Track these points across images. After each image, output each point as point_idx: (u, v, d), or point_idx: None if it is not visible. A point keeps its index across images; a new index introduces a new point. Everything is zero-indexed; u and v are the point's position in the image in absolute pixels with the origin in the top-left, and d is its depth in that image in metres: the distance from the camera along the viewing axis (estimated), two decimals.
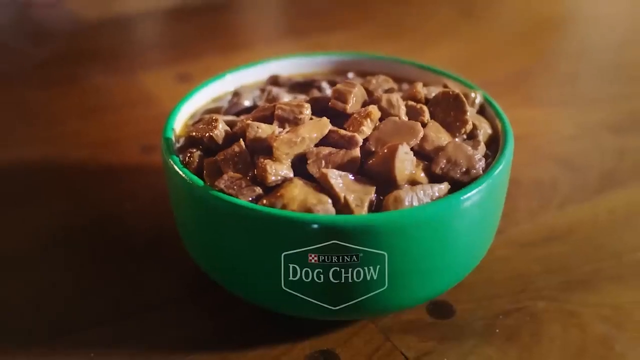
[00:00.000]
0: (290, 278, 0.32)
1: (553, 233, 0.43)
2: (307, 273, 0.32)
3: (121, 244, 0.41)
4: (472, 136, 0.36)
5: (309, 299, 0.33)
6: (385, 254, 0.31)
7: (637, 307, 0.37)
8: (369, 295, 0.32)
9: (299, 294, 0.32)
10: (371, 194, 0.31)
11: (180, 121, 0.38)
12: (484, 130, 0.36)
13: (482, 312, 0.37)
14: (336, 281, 0.32)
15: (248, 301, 0.35)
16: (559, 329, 0.36)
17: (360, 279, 0.32)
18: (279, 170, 0.32)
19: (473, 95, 0.39)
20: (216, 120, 0.35)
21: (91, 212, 0.45)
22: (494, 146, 0.36)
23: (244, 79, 0.44)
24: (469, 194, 0.32)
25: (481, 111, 0.39)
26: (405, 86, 0.41)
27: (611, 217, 0.45)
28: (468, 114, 0.35)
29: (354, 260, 0.31)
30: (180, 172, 0.33)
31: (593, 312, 0.37)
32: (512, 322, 0.36)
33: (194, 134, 0.35)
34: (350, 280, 0.32)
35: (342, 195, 0.31)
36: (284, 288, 0.32)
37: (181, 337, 0.35)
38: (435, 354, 0.34)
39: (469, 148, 0.33)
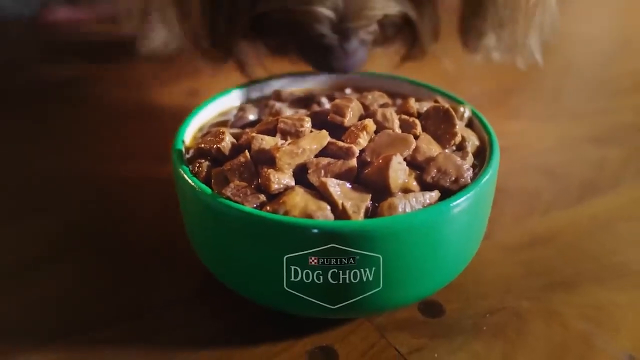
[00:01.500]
0: (292, 279, 0.33)
1: (537, 238, 0.44)
2: (307, 274, 0.32)
3: (134, 249, 0.42)
4: (460, 147, 0.37)
5: (309, 299, 0.33)
6: (380, 256, 0.32)
7: (616, 306, 0.38)
8: (365, 295, 0.33)
9: (299, 294, 0.33)
10: (367, 201, 0.32)
11: (189, 134, 0.39)
12: (472, 142, 0.37)
13: (470, 311, 0.38)
14: (334, 282, 0.32)
15: (252, 301, 0.36)
16: (542, 327, 0.36)
17: (357, 280, 0.33)
18: (281, 179, 0.33)
19: (462, 109, 0.40)
20: (223, 132, 0.36)
21: (105, 218, 0.46)
22: (482, 157, 0.37)
23: (248, 94, 0.45)
24: (457, 201, 0.32)
25: (469, 124, 0.40)
26: (399, 101, 0.42)
27: (592, 223, 0.46)
28: (457, 127, 0.36)
29: (351, 262, 0.32)
30: (190, 181, 0.34)
31: (574, 311, 0.38)
32: (498, 320, 0.37)
33: (202, 145, 0.36)
34: (347, 281, 0.33)
35: (340, 202, 0.32)
36: (285, 288, 0.33)
37: (189, 336, 0.36)
38: (426, 349, 0.35)
39: (458, 159, 0.34)
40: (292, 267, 0.32)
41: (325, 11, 0.40)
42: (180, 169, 0.35)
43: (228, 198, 0.32)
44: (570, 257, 0.42)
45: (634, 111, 0.63)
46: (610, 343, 0.35)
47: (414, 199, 0.32)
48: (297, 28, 0.41)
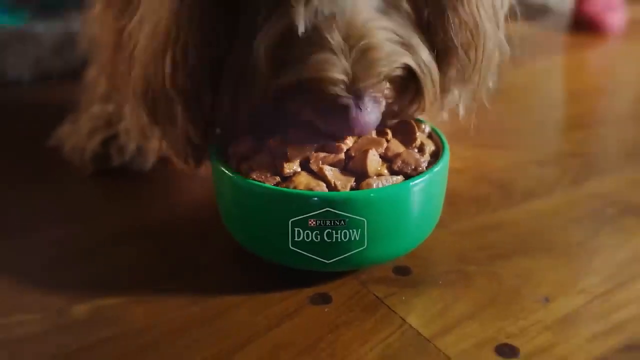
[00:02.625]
0: (296, 239, 0.44)
1: (485, 227, 0.56)
2: (307, 234, 0.44)
3: (181, 231, 0.54)
4: (421, 149, 0.49)
5: (309, 255, 0.45)
6: (365, 220, 0.44)
7: (539, 269, 0.50)
8: (353, 252, 0.45)
9: (301, 251, 0.45)
10: (351, 181, 0.45)
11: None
12: (430, 146, 0.50)
13: (430, 271, 0.50)
14: (329, 240, 0.44)
15: (266, 260, 0.48)
16: (483, 282, 0.48)
17: (347, 239, 0.44)
18: (292, 165, 0.45)
19: (423, 126, 0.53)
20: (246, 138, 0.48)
21: (161, 208, 0.58)
22: (436, 157, 0.49)
23: None
24: (416, 182, 0.45)
25: (430, 136, 0.53)
26: None
27: (528, 216, 0.58)
28: (417, 135, 0.49)
29: (341, 224, 0.44)
30: (225, 170, 0.46)
31: (509, 272, 0.49)
32: (451, 278, 0.49)
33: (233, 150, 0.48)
34: (339, 240, 0.44)
35: (332, 181, 0.44)
36: (291, 247, 0.45)
37: (222, 287, 0.47)
38: (396, 295, 0.47)
39: (417, 155, 0.47)
40: (296, 229, 0.44)
41: (338, 75, 0.43)
42: (217, 163, 0.47)
43: (254, 179, 0.45)
44: (510, 238, 0.54)
45: (571, 143, 0.76)
46: (533, 291, 0.47)
47: (385, 180, 0.45)
48: (314, 93, 0.44)
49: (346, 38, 0.43)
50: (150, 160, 0.64)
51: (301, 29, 0.42)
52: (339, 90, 0.43)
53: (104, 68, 0.65)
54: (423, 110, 0.50)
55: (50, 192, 0.62)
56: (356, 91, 0.43)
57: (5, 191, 0.62)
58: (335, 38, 0.43)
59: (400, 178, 0.46)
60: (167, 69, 0.46)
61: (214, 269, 0.50)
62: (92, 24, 0.68)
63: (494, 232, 0.55)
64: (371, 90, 0.44)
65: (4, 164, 0.68)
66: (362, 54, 0.43)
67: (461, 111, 0.54)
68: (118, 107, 0.66)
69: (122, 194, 0.62)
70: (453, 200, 0.58)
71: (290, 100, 0.45)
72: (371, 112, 0.44)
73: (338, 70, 0.43)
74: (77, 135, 0.66)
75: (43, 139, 0.68)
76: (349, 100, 0.43)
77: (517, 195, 0.62)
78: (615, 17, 1.17)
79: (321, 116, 0.45)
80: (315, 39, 0.43)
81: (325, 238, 0.44)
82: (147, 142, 0.59)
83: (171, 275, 0.49)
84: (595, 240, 0.55)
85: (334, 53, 0.43)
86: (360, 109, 0.44)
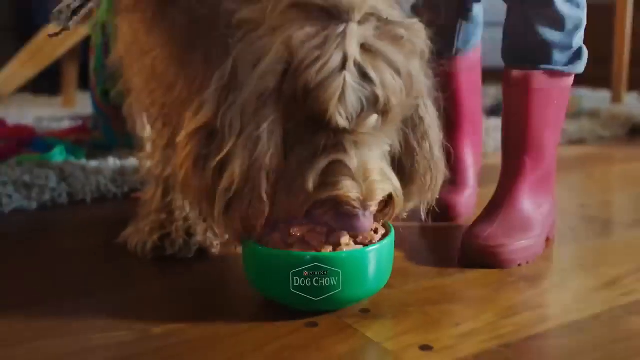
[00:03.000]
0: (294, 285, 0.71)
1: (424, 288, 0.82)
2: (302, 281, 0.70)
3: (215, 285, 0.80)
4: (375, 232, 0.76)
5: (303, 295, 0.71)
6: (340, 271, 0.70)
7: (455, 311, 0.76)
8: (332, 293, 0.71)
9: (298, 293, 0.71)
10: (330, 248, 0.71)
11: None
12: (381, 230, 0.77)
13: (383, 311, 0.75)
14: (317, 285, 0.70)
15: (273, 300, 0.74)
16: (419, 316, 0.74)
17: (328, 284, 0.70)
18: (293, 238, 0.72)
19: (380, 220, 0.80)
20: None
21: (198, 276, 0.84)
22: (385, 236, 0.77)
23: None
24: (370, 249, 0.72)
25: (383, 225, 0.80)
26: None
27: (456, 284, 0.84)
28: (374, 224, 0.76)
29: (325, 273, 0.70)
30: (250, 242, 0.73)
31: (434, 311, 0.75)
32: (397, 314, 0.74)
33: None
34: (323, 285, 0.70)
35: (318, 247, 0.71)
36: (291, 290, 0.71)
37: (241, 318, 0.73)
38: (360, 322, 0.72)
39: (373, 234, 0.74)
40: (295, 277, 0.70)
41: (357, 195, 0.68)
42: (246, 242, 0.74)
43: (270, 247, 0.72)
44: (438, 293, 0.80)
45: None
46: (449, 321, 0.73)
47: (351, 247, 0.72)
48: (338, 204, 0.68)
49: (360, 173, 0.68)
50: (193, 250, 0.91)
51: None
52: (355, 204, 0.68)
53: (157, 190, 0.95)
54: (392, 216, 0.75)
55: (118, 269, 0.89)
56: (364, 206, 0.69)
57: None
58: (356, 172, 0.68)
59: (360, 247, 0.73)
60: (263, 188, 0.68)
61: (242, 307, 0.76)
62: (146, 160, 0.98)
63: (429, 291, 0.81)
64: (371, 206, 0.70)
65: (84, 268, 0.95)
66: (368, 186, 0.68)
67: (422, 215, 0.80)
68: (169, 215, 0.94)
69: (173, 269, 0.88)
70: (402, 269, 0.84)
71: (318, 207, 0.69)
72: (368, 219, 0.70)
73: (356, 193, 0.68)
74: (140, 234, 0.93)
75: (107, 244, 0.96)
76: (359, 211, 0.69)
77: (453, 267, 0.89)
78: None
79: (337, 219, 0.69)
80: (344, 171, 0.68)
81: (314, 283, 0.70)
82: (192, 239, 0.89)
83: (219, 308, 0.75)
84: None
85: (356, 181, 0.68)
86: (365, 216, 0.69)
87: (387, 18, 0.69)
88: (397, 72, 0.68)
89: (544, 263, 0.91)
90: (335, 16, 0.67)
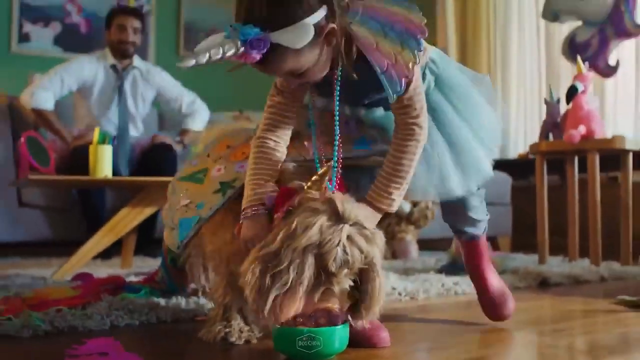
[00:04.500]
0: (298, 344, 1.39)
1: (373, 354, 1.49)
2: (300, 344, 1.39)
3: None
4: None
5: (303, 350, 1.39)
6: (321, 337, 1.39)
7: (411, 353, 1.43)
8: (319, 348, 1.39)
9: (301, 349, 1.39)
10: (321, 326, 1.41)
11: None
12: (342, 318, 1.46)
13: None
14: (311, 344, 1.39)
15: (287, 355, 1.42)
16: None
17: (317, 344, 1.39)
18: (297, 322, 1.42)
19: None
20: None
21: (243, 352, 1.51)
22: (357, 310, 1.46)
23: None
24: (337, 327, 1.41)
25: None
26: None
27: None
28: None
29: (314, 339, 1.39)
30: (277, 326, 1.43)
31: None
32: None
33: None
34: (314, 345, 1.39)
35: (308, 327, 1.40)
36: (297, 348, 1.39)
37: None
38: None
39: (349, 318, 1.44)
40: (298, 341, 1.39)
41: (338, 307, 1.37)
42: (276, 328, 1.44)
43: (284, 326, 1.41)
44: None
45: None
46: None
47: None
48: (329, 310, 1.37)
49: (340, 294, 1.43)
50: (243, 339, 1.59)
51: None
52: (335, 311, 1.38)
53: (219, 311, 1.66)
54: (361, 318, 1.46)
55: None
56: (340, 313, 1.42)
57: None
58: (338, 295, 1.42)
59: (332, 326, 1.42)
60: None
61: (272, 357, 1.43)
62: (213, 292, 1.72)
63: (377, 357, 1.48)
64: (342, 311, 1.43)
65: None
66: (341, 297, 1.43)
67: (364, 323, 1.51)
68: (227, 323, 1.64)
69: (234, 347, 1.55)
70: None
71: (317, 310, 1.41)
72: (340, 318, 1.39)
73: (337, 306, 1.39)
74: (210, 333, 1.62)
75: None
76: (338, 314, 1.40)
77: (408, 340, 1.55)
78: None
79: (328, 316, 1.40)
80: (332, 294, 1.40)
81: (309, 343, 1.39)
82: (242, 334, 1.60)
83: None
84: None
85: (338, 299, 1.42)
86: (339, 317, 1.40)
87: (363, 224, 1.42)
88: (361, 251, 1.41)
89: None
90: (340, 219, 1.41)
